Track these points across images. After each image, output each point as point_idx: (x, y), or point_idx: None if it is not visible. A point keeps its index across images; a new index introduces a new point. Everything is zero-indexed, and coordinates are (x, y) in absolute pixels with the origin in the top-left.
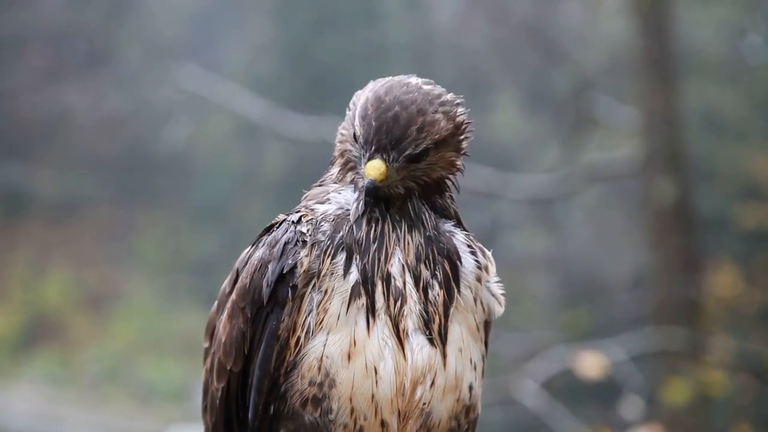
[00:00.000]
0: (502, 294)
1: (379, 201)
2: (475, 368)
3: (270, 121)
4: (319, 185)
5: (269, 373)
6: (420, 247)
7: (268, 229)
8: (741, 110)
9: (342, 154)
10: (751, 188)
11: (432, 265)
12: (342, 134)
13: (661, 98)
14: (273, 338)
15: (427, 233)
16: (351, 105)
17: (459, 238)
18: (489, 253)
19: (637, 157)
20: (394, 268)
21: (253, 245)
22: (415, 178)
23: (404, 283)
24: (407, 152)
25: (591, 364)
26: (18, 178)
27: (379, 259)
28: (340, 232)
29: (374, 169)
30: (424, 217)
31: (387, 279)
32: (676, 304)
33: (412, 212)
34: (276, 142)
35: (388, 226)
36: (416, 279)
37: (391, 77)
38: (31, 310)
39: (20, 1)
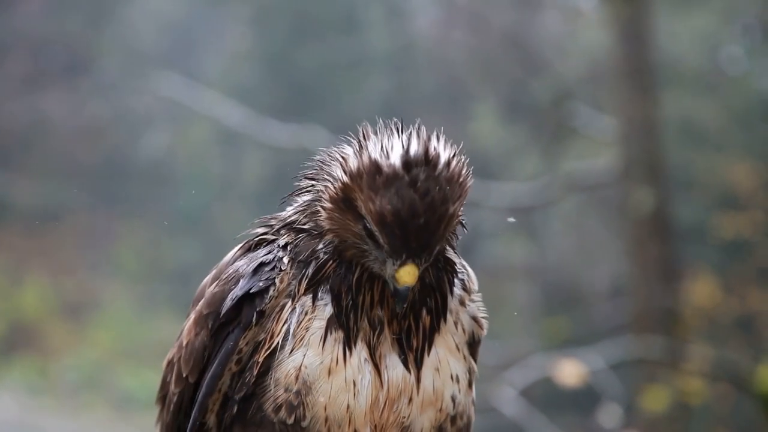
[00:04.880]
0: (483, 317)
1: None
2: (457, 381)
3: (250, 129)
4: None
5: (215, 391)
6: (415, 295)
7: (259, 242)
8: (719, 120)
9: (330, 218)
10: (728, 198)
11: (422, 297)
12: (326, 190)
13: (640, 108)
14: (227, 359)
15: (430, 275)
16: (327, 162)
17: (455, 270)
18: (473, 275)
19: (616, 166)
20: (378, 309)
21: (242, 250)
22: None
23: (385, 316)
24: (436, 249)
25: (570, 372)
26: None
27: (363, 303)
28: (322, 272)
29: (409, 275)
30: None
31: (368, 313)
32: (655, 312)
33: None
34: (256, 150)
35: (380, 286)
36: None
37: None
38: (8, 318)
39: None
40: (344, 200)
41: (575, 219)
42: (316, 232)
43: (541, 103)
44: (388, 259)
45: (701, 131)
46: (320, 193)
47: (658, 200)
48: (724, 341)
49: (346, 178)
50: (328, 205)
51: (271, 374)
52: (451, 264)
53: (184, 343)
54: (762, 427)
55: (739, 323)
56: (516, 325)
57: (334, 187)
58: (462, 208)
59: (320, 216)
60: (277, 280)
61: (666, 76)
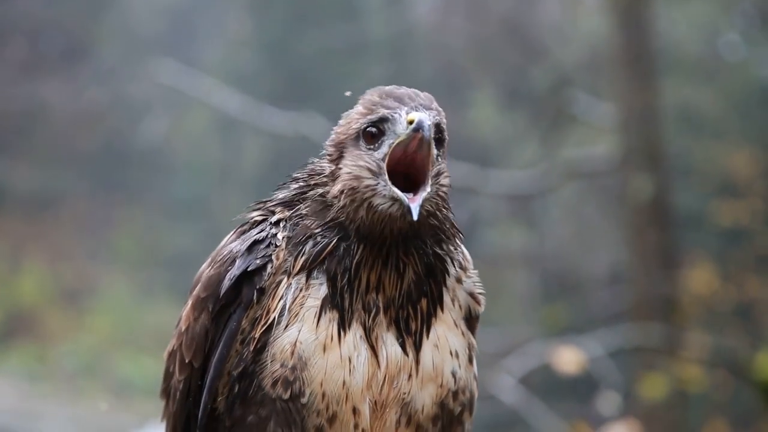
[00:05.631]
0: (480, 293)
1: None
2: (457, 356)
3: (248, 116)
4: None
5: (224, 373)
6: (411, 284)
7: (253, 224)
8: (718, 107)
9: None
10: (727, 185)
11: (418, 286)
12: (317, 171)
13: (639, 95)
14: (232, 340)
15: (424, 263)
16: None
17: (452, 257)
18: (467, 252)
19: (615, 153)
20: (373, 294)
21: (236, 234)
22: (436, 184)
23: (381, 301)
24: (437, 118)
25: (568, 359)
26: None
27: (358, 287)
28: (322, 254)
29: (420, 115)
30: (423, 252)
31: (363, 297)
32: (653, 300)
33: (414, 251)
34: (254, 137)
35: (377, 271)
36: (394, 299)
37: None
38: (6, 305)
39: None
40: (342, 144)
41: (574, 206)
42: (313, 218)
43: (540, 90)
44: (397, 126)
45: (700, 118)
46: (318, 170)
47: (656, 188)
48: (723, 329)
49: (338, 130)
50: (331, 149)
51: (268, 350)
52: (442, 259)
53: (184, 329)
54: (760, 414)
55: (738, 311)
56: (515, 313)
57: (332, 142)
58: (445, 127)
59: (326, 185)
60: (273, 257)
61: (665, 64)
